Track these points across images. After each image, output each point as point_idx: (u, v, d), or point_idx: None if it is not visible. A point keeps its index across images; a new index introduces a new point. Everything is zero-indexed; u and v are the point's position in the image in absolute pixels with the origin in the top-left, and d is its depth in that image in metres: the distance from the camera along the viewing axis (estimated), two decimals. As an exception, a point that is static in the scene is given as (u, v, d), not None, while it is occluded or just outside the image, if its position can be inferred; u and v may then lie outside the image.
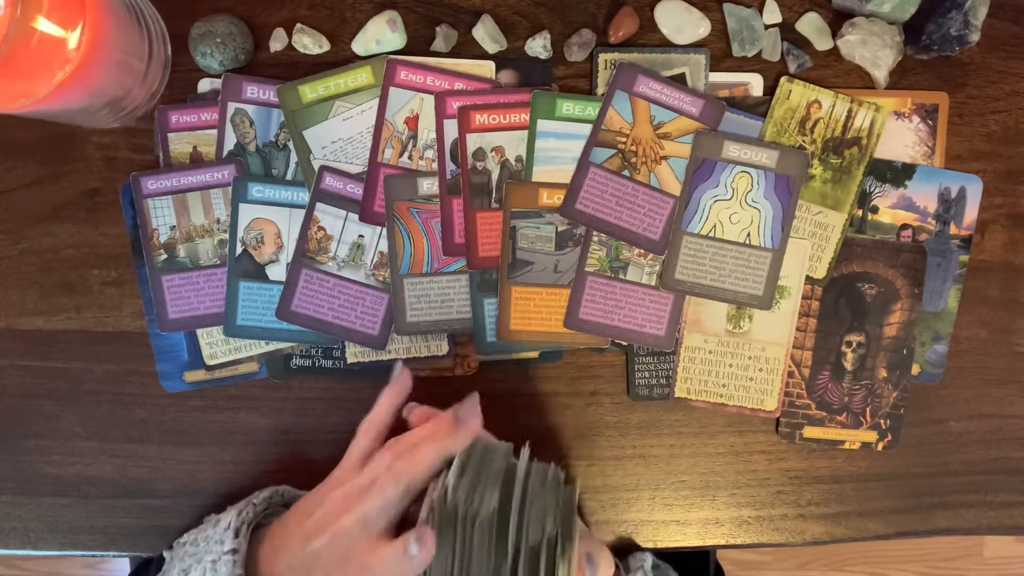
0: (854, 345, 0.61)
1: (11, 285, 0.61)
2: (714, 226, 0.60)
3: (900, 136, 0.61)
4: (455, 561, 0.47)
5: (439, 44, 0.60)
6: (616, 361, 0.62)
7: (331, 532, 0.48)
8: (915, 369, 0.62)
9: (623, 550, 0.62)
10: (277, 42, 0.60)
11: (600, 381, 0.62)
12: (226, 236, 0.60)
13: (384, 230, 0.60)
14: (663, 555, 0.64)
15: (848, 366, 0.62)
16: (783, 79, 0.60)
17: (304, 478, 0.61)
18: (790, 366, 0.61)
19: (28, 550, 0.62)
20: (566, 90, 0.60)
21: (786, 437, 0.62)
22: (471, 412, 0.49)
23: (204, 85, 0.60)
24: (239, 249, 0.60)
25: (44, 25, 0.45)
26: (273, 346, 0.61)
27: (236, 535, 0.52)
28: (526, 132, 0.59)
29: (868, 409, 0.62)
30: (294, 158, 0.60)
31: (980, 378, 0.63)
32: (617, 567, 0.58)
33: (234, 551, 0.51)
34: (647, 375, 0.61)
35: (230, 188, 0.59)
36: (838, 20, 0.60)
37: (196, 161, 0.60)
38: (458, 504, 0.47)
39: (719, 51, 0.61)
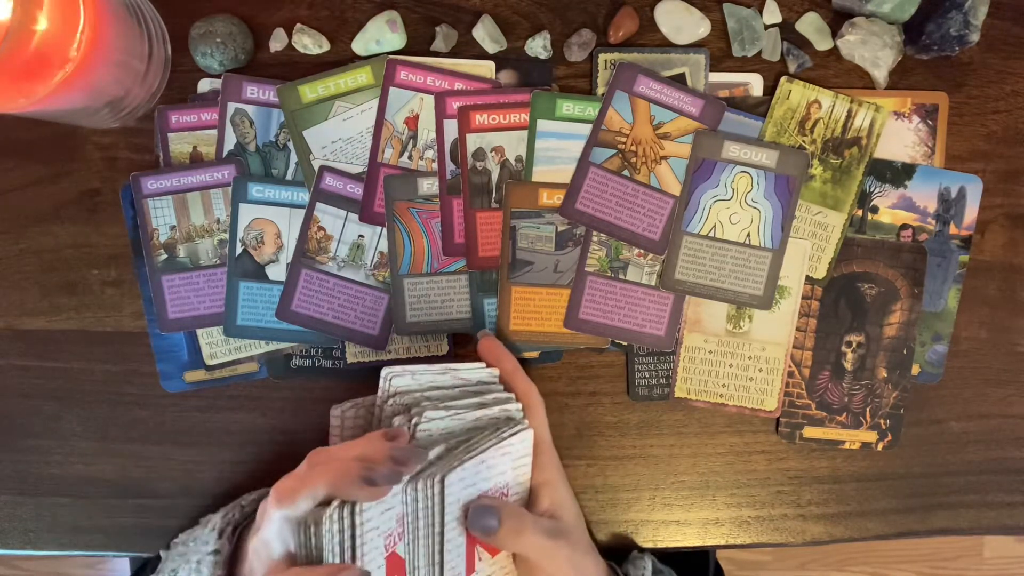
0: (854, 345, 0.61)
1: (11, 285, 0.61)
2: (714, 226, 0.60)
3: (900, 136, 0.61)
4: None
5: (439, 44, 0.60)
6: (616, 361, 0.62)
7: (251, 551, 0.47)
8: (915, 369, 0.62)
9: (623, 552, 0.62)
10: (277, 42, 0.60)
11: (600, 381, 0.62)
12: (226, 236, 0.60)
13: (384, 230, 0.60)
14: (663, 555, 0.64)
15: (848, 366, 0.62)
16: (783, 79, 0.60)
17: (304, 478, 0.61)
18: (790, 366, 0.61)
19: (28, 550, 0.62)
20: (566, 90, 0.60)
21: (786, 437, 0.62)
22: (388, 476, 0.44)
23: (204, 85, 0.60)
24: (239, 249, 0.60)
25: (44, 25, 0.45)
26: (273, 346, 0.61)
27: (220, 536, 0.53)
28: (526, 132, 0.59)
29: (868, 409, 0.62)
30: (294, 158, 0.60)
31: (980, 378, 0.63)
32: (616, 572, 0.58)
33: (216, 552, 0.52)
34: (647, 375, 0.61)
35: (230, 188, 0.59)
36: (838, 20, 0.60)
37: (196, 161, 0.60)
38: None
39: (719, 51, 0.61)
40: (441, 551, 0.48)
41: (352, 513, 0.44)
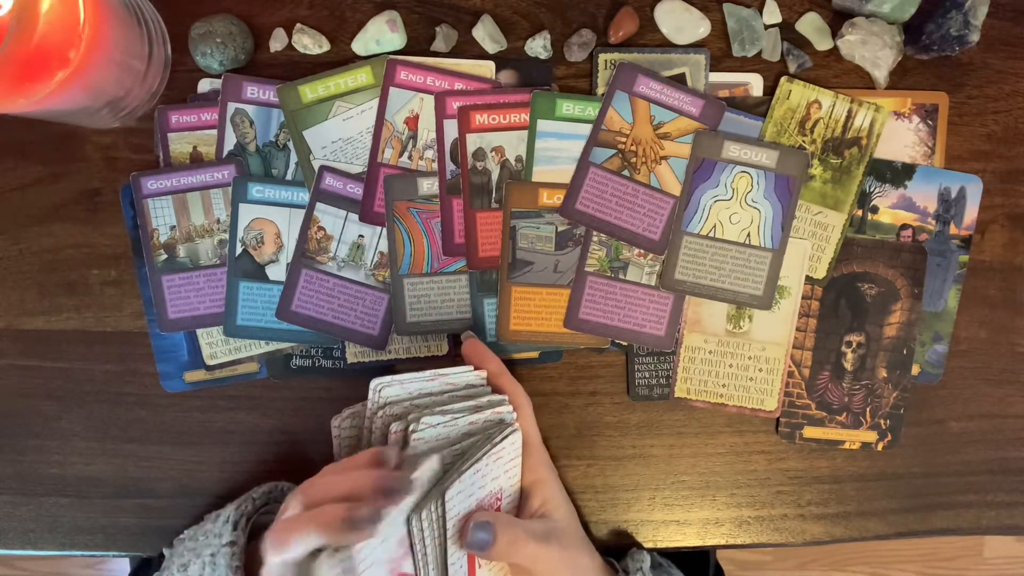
0: (854, 345, 0.61)
1: (11, 285, 0.61)
2: (714, 226, 0.60)
3: (900, 136, 0.61)
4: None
5: (439, 44, 0.60)
6: (616, 361, 0.62)
7: None
8: (915, 369, 0.62)
9: (621, 548, 0.62)
10: (277, 42, 0.60)
11: (600, 381, 0.62)
12: (226, 236, 0.60)
13: (384, 230, 0.60)
14: (663, 554, 0.64)
15: (848, 366, 0.62)
16: (783, 79, 0.60)
17: (304, 478, 0.61)
18: (790, 366, 0.61)
19: (28, 550, 0.62)
20: (566, 90, 0.60)
21: (786, 437, 0.62)
22: (371, 517, 0.44)
23: (204, 85, 0.60)
24: (239, 249, 0.60)
25: (44, 25, 0.45)
26: (273, 346, 0.61)
27: (235, 528, 0.52)
28: (526, 132, 0.59)
29: (868, 409, 0.62)
30: (294, 158, 0.60)
31: (980, 378, 0.63)
32: (615, 568, 0.58)
33: (232, 543, 0.52)
34: (647, 375, 0.61)
35: (230, 188, 0.59)
36: (838, 20, 0.60)
37: (196, 161, 0.60)
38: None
39: (719, 51, 0.61)
40: (446, 566, 0.48)
41: (349, 556, 0.45)
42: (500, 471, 0.51)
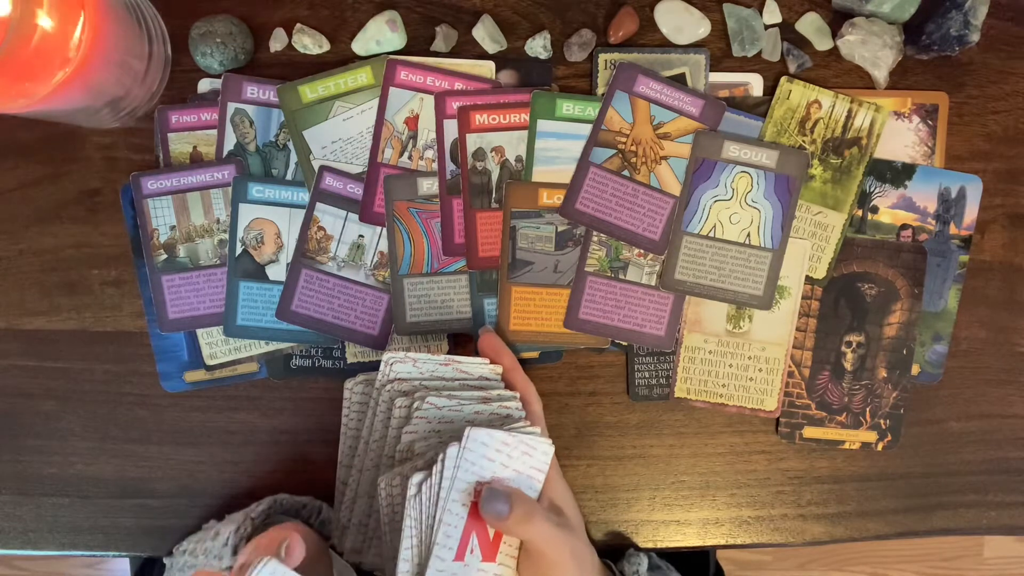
0: (854, 345, 0.61)
1: (11, 285, 0.61)
2: (714, 226, 0.60)
3: (900, 136, 0.61)
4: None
5: (439, 44, 0.60)
6: (616, 361, 0.62)
7: None
8: (915, 369, 0.62)
9: (618, 550, 0.62)
10: (277, 42, 0.60)
11: (600, 381, 0.62)
12: (226, 236, 0.60)
13: (384, 230, 0.60)
14: (663, 554, 0.64)
15: (848, 366, 0.62)
16: (783, 79, 0.60)
17: (304, 478, 0.61)
18: (790, 366, 0.61)
19: (28, 550, 0.62)
20: (566, 90, 0.60)
21: (786, 437, 0.62)
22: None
23: (204, 85, 0.60)
24: (239, 249, 0.60)
25: (44, 25, 0.45)
26: (273, 346, 0.61)
27: (234, 552, 0.52)
28: (526, 132, 0.59)
29: (868, 409, 0.62)
30: (294, 158, 0.60)
31: (980, 378, 0.63)
32: (612, 569, 0.58)
33: (232, 568, 0.51)
34: (647, 375, 0.61)
35: (230, 188, 0.59)
36: (838, 20, 0.60)
37: (196, 161, 0.60)
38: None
39: (719, 51, 0.61)
40: (441, 512, 0.47)
41: None
42: (510, 474, 0.50)
